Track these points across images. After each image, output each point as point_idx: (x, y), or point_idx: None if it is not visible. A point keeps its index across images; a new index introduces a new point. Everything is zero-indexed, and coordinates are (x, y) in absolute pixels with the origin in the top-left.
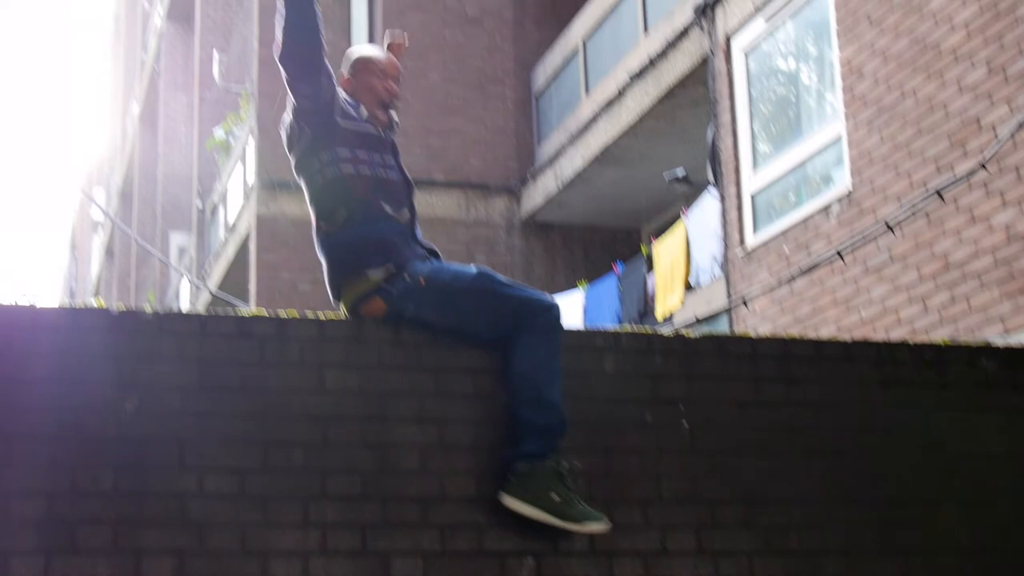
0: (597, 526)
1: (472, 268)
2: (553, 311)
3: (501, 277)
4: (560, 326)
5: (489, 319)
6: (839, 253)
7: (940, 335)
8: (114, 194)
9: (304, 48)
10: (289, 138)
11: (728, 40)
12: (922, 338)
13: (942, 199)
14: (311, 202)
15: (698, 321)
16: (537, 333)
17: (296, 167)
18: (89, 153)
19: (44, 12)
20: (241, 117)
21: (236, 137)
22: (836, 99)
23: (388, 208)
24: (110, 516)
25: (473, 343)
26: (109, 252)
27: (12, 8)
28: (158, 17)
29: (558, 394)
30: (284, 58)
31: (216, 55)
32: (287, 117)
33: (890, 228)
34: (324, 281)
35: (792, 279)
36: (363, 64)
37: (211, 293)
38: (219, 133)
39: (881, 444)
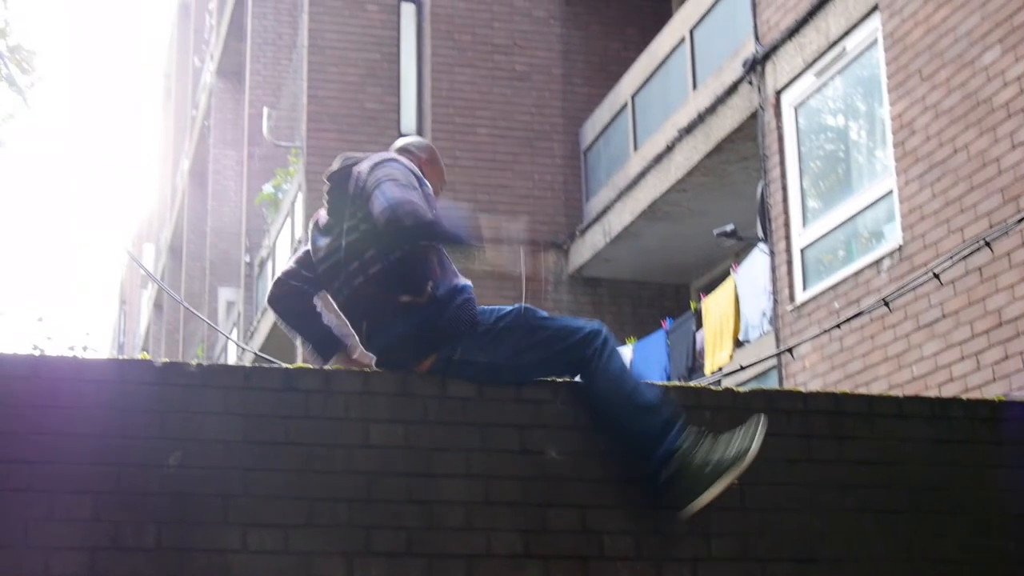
0: (751, 453)
1: (512, 307)
2: (602, 331)
3: (542, 312)
4: (613, 340)
5: (539, 354)
6: (886, 302)
7: (993, 392)
8: (163, 249)
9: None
10: (354, 208)
11: (778, 95)
12: (975, 395)
13: (991, 249)
14: (386, 277)
15: (742, 368)
16: (600, 357)
17: (359, 239)
18: (139, 209)
19: (96, 70)
20: (290, 173)
21: (285, 192)
22: (887, 154)
23: (459, 274)
24: (153, 572)
25: (524, 380)
26: (158, 306)
27: (65, 67)
28: (208, 74)
29: (652, 392)
30: (398, 234)
31: (265, 111)
32: (359, 188)
33: (936, 276)
34: (386, 347)
35: (837, 326)
36: (439, 172)
37: (255, 354)
38: (268, 188)
39: (935, 502)
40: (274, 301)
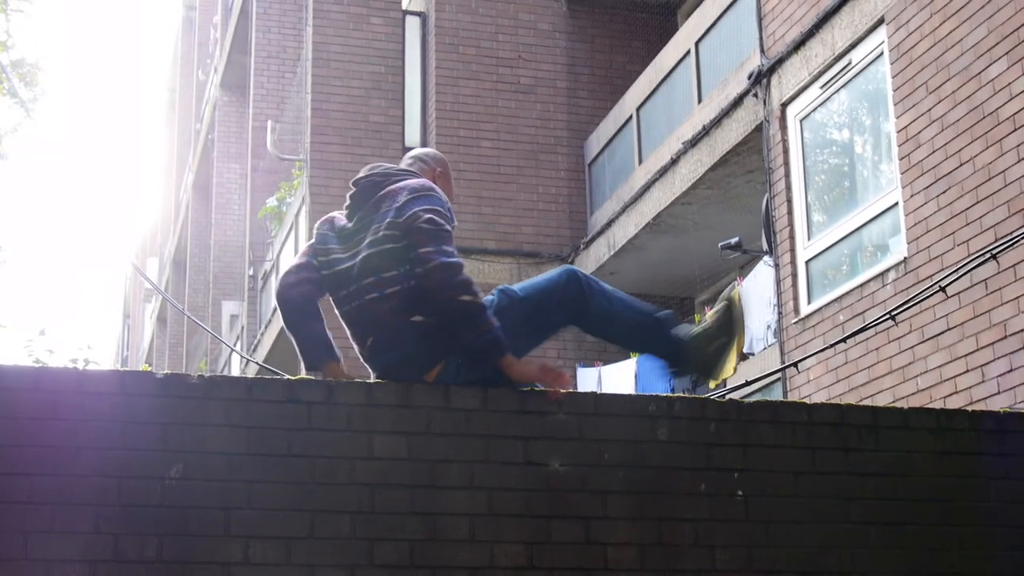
0: (737, 304)
1: (492, 294)
2: (573, 275)
3: (515, 286)
4: (587, 276)
5: (538, 320)
6: (892, 316)
7: (998, 404)
8: (167, 263)
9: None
10: (381, 225)
11: (783, 108)
12: (980, 407)
13: (997, 261)
14: (402, 298)
15: (748, 383)
16: (586, 304)
17: (381, 256)
18: (143, 222)
19: (100, 83)
20: (294, 186)
21: (288, 205)
22: (892, 167)
23: None
24: None
25: (535, 346)
26: (161, 320)
27: (69, 80)
28: (212, 87)
29: (644, 308)
30: (447, 298)
31: (270, 124)
32: (393, 209)
33: (943, 290)
34: (390, 365)
35: (843, 340)
36: (451, 187)
37: (259, 365)
38: (272, 202)
39: (941, 514)
40: (285, 291)
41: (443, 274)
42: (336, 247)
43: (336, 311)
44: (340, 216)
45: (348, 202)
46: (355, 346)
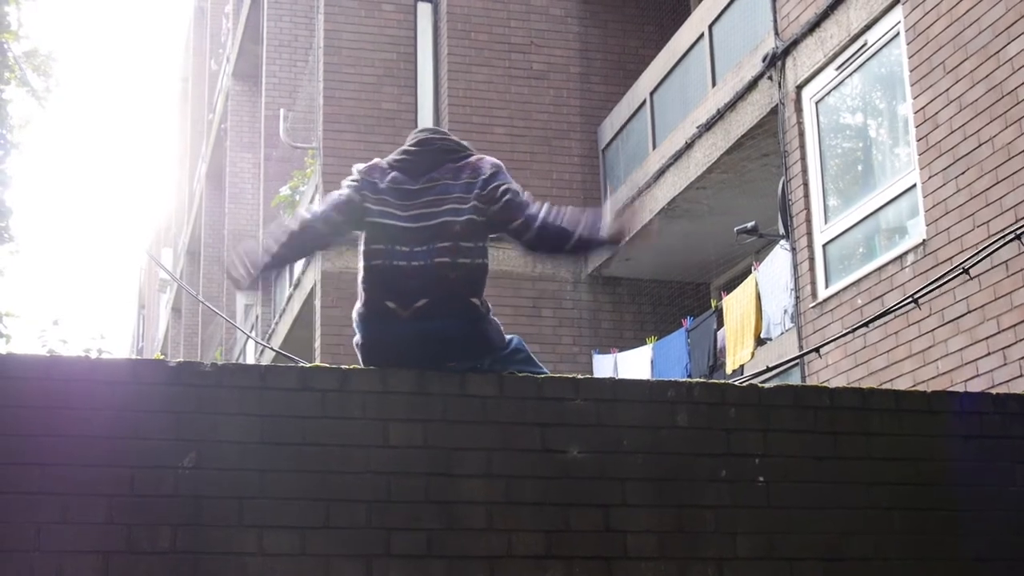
0: None
1: (509, 336)
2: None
3: (525, 346)
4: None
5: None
6: (915, 299)
7: (1021, 387)
8: (181, 253)
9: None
10: (467, 196)
11: (798, 90)
12: (1002, 390)
13: (1021, 242)
14: (467, 272)
15: (769, 369)
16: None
17: (464, 225)
18: (158, 213)
19: (113, 74)
20: (307, 174)
21: (302, 194)
22: (910, 148)
23: None
24: (168, 575)
25: None
26: (176, 310)
27: (83, 72)
28: (225, 77)
29: None
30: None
31: (282, 113)
32: (482, 182)
33: (966, 272)
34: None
35: (865, 324)
36: None
37: (275, 351)
38: (285, 191)
39: (965, 499)
40: (297, 238)
41: (547, 232)
42: (392, 200)
43: (374, 262)
44: (386, 168)
45: (404, 159)
46: (389, 304)
